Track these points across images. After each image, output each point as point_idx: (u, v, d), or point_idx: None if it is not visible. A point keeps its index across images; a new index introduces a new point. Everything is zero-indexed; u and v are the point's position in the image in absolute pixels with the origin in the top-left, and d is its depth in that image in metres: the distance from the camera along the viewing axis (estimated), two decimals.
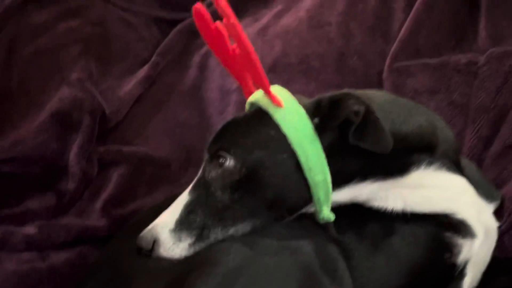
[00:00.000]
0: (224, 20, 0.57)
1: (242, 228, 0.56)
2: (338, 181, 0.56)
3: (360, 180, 0.58)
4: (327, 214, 0.56)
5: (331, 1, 1.15)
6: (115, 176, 0.89)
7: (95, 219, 0.81)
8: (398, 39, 1.04)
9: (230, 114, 1.05)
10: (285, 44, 1.08)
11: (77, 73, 0.93)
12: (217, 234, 0.56)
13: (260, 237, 0.56)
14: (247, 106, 0.64)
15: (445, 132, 0.63)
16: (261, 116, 0.58)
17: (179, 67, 1.16)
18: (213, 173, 0.58)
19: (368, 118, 0.54)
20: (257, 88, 0.62)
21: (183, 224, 0.56)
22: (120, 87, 1.03)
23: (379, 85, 1.00)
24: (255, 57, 0.55)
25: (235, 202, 0.56)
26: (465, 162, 0.68)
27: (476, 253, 0.60)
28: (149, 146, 0.99)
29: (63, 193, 0.82)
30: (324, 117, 0.56)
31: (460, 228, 0.59)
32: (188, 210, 0.57)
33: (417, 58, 1.01)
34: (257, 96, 0.61)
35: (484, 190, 0.65)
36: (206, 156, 0.61)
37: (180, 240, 0.56)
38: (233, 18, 0.55)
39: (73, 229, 0.77)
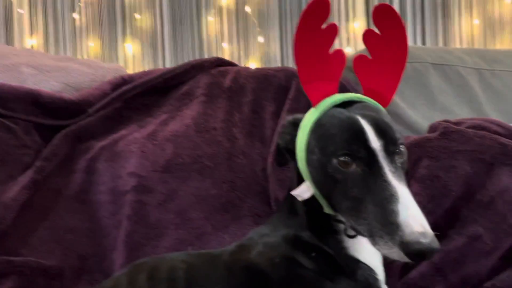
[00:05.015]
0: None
1: None
2: None
3: None
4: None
5: (213, 110, 1.30)
6: None
7: None
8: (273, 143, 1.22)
9: (125, 216, 1.04)
10: (176, 147, 1.16)
11: None
12: None
13: None
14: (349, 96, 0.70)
15: None
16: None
17: (64, 172, 1.12)
18: (401, 160, 0.64)
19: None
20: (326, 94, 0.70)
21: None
22: (3, 193, 0.95)
23: (264, 179, 1.13)
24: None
25: None
26: None
27: None
28: (38, 256, 0.91)
29: None
30: None
31: None
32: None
33: None
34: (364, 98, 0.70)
35: None
36: (391, 148, 0.63)
37: None
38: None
39: None
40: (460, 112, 1.43)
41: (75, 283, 0.93)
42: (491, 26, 2.31)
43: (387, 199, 0.57)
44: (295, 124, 0.73)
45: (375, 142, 0.62)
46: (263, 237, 0.74)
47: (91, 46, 2.44)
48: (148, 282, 0.68)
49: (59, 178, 1.10)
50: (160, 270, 0.70)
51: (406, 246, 0.54)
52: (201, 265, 0.72)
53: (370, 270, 0.69)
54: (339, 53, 0.69)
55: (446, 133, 1.03)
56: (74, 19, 2.44)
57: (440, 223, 0.94)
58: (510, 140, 0.99)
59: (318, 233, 0.71)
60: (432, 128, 1.12)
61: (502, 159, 0.95)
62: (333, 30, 0.68)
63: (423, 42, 2.31)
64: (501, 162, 0.95)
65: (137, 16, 2.42)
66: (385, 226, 0.56)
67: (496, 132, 1.03)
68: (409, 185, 0.98)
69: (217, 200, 1.07)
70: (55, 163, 1.11)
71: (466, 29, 2.31)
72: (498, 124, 1.06)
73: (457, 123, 1.10)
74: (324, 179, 0.65)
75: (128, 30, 2.42)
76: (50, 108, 1.20)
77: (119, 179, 1.11)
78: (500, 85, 1.51)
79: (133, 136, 1.22)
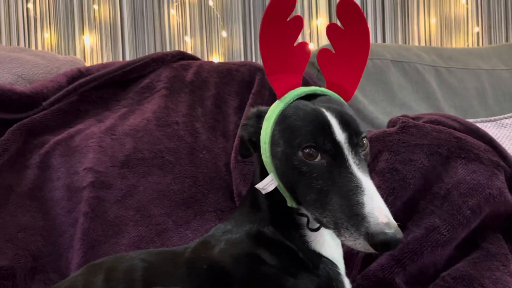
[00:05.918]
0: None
1: None
2: None
3: None
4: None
5: (174, 104, 1.27)
6: None
7: None
8: (237, 137, 1.21)
9: (81, 213, 1.00)
10: (136, 141, 1.12)
11: None
12: None
13: None
14: (314, 89, 0.70)
15: None
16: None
17: (16, 167, 1.07)
18: (364, 152, 0.65)
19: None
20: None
21: None
22: None
23: (228, 174, 1.11)
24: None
25: None
26: None
27: None
28: None
29: None
30: None
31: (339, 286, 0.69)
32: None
33: None
34: (327, 91, 0.71)
35: None
36: (355, 140, 0.64)
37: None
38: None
39: None
40: (418, 107, 1.47)
41: (28, 283, 0.88)
42: (447, 25, 2.39)
43: (352, 190, 0.58)
44: (259, 116, 0.72)
45: (340, 135, 0.62)
46: (226, 234, 0.73)
47: (47, 37, 2.34)
48: (104, 283, 0.65)
49: (11, 174, 1.05)
50: (117, 271, 0.67)
51: (372, 237, 0.54)
52: (162, 264, 0.70)
53: (332, 264, 0.70)
54: (304, 45, 0.69)
55: (405, 127, 1.05)
56: (28, 9, 2.33)
57: (399, 215, 0.95)
58: (465, 134, 1.03)
59: (281, 228, 0.70)
60: (392, 123, 1.15)
61: (458, 152, 0.98)
62: (298, 23, 0.68)
63: (384, 40, 2.37)
64: (457, 156, 0.98)
65: (95, 7, 2.34)
66: (350, 217, 0.56)
67: (452, 127, 1.06)
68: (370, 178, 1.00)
69: (178, 195, 1.05)
70: (6, 159, 1.05)
71: (424, 28, 2.38)
72: (454, 119, 1.10)
73: (415, 118, 1.12)
74: (289, 171, 0.64)
75: (86, 22, 2.33)
76: (1, 101, 1.13)
77: (75, 175, 1.06)
78: (456, 81, 1.57)
79: (90, 131, 1.17)
